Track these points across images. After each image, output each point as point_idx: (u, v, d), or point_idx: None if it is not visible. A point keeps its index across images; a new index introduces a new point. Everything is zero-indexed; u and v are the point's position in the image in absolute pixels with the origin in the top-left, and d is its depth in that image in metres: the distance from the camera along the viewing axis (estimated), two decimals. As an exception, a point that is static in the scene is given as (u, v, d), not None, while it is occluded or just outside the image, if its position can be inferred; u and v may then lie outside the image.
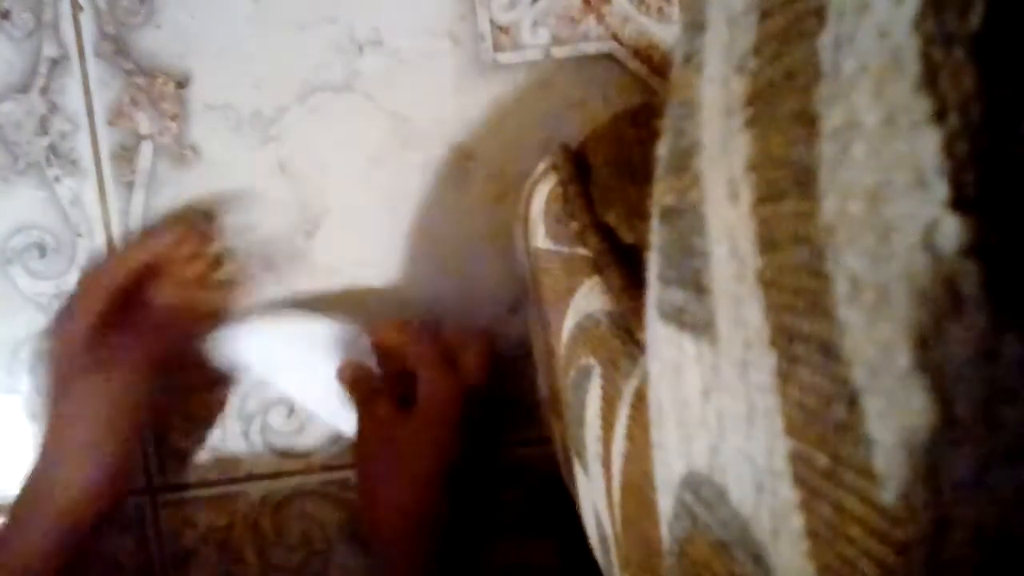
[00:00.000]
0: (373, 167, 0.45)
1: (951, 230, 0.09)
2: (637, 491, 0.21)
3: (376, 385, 0.42)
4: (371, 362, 0.43)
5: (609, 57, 0.44)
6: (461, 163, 0.45)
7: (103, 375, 0.38)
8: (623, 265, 0.27)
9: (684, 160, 0.16)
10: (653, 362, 0.18)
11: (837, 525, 0.11)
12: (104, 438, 0.38)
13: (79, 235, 0.45)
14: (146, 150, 0.45)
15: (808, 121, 0.11)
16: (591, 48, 0.44)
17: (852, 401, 0.11)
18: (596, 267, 0.28)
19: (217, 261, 0.44)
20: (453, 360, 0.40)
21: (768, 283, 0.12)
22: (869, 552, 0.10)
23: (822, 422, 0.11)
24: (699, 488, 0.15)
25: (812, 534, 0.12)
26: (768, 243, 0.12)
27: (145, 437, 0.47)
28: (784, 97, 0.12)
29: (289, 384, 0.44)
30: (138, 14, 0.44)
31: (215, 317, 0.43)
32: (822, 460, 0.11)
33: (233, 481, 0.47)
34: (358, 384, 0.42)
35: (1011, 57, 0.09)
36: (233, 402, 0.47)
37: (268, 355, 0.43)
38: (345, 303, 0.46)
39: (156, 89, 0.45)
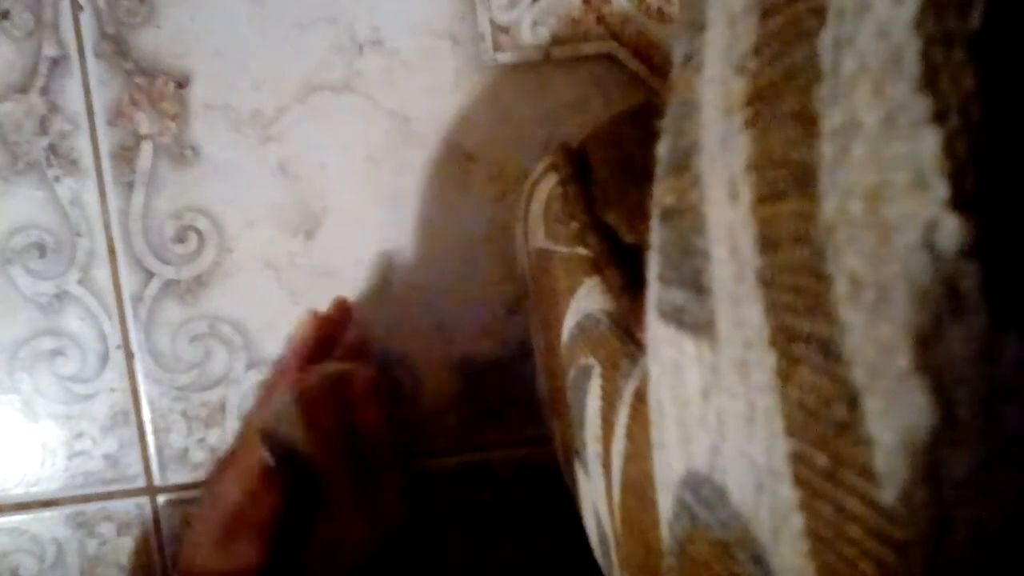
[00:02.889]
0: (373, 167, 0.45)
1: (951, 230, 0.09)
2: (637, 491, 0.21)
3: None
4: None
5: (609, 57, 0.44)
6: (461, 163, 0.45)
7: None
8: (623, 265, 0.27)
9: (684, 160, 0.16)
10: (653, 362, 0.18)
11: (837, 525, 0.11)
12: None
13: (79, 235, 0.45)
14: (146, 150, 0.45)
15: (808, 121, 0.11)
16: (591, 48, 0.44)
17: (852, 401, 0.11)
18: (596, 267, 0.28)
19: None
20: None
21: (768, 283, 0.12)
22: (869, 552, 0.10)
23: (822, 422, 0.11)
24: (699, 488, 0.15)
25: (812, 534, 0.12)
26: (768, 243, 0.12)
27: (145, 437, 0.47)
28: (784, 97, 0.12)
29: None
30: (138, 14, 0.44)
31: None
32: (822, 460, 0.11)
33: (233, 481, 0.47)
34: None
35: (1011, 57, 0.09)
36: (233, 402, 0.47)
37: None
38: (345, 303, 0.46)
39: (156, 89, 0.45)
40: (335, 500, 0.40)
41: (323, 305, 0.46)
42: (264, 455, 0.37)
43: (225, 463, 0.39)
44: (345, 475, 0.40)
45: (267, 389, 0.42)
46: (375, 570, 0.39)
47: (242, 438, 0.39)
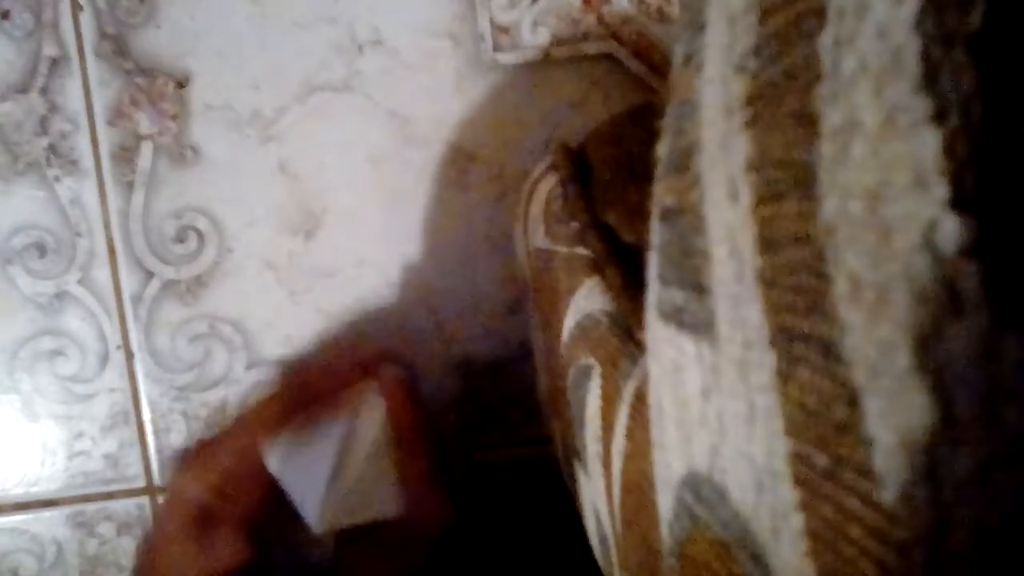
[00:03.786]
0: (373, 167, 0.45)
1: (951, 230, 0.09)
2: (637, 491, 0.21)
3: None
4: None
5: (609, 57, 0.44)
6: (461, 163, 0.45)
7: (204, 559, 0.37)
8: (623, 265, 0.27)
9: (684, 160, 0.16)
10: (653, 362, 0.18)
11: (837, 525, 0.11)
12: None
13: (79, 235, 0.45)
14: (146, 150, 0.45)
15: (808, 121, 0.11)
16: (591, 48, 0.44)
17: (852, 401, 0.11)
18: (596, 267, 0.28)
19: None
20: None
21: (768, 283, 0.12)
22: (869, 552, 0.10)
23: (822, 422, 0.11)
24: (699, 488, 0.15)
25: (812, 534, 0.12)
26: (768, 243, 0.12)
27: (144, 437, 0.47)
28: (784, 97, 0.12)
29: None
30: (138, 14, 0.44)
31: None
32: (822, 460, 0.11)
33: (233, 481, 0.47)
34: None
35: (1011, 57, 0.09)
36: (233, 402, 0.47)
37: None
38: (345, 303, 0.46)
39: (156, 89, 0.45)
40: (409, 486, 0.39)
41: (323, 305, 0.46)
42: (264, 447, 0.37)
43: (195, 461, 0.38)
44: (422, 458, 0.39)
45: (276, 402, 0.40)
46: (441, 555, 0.39)
47: (231, 435, 0.38)
